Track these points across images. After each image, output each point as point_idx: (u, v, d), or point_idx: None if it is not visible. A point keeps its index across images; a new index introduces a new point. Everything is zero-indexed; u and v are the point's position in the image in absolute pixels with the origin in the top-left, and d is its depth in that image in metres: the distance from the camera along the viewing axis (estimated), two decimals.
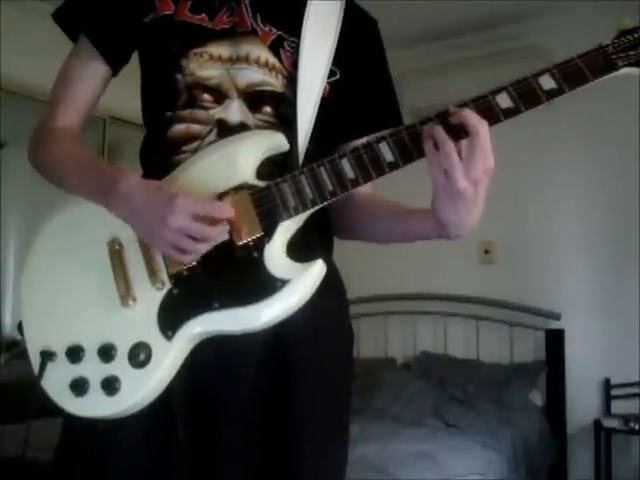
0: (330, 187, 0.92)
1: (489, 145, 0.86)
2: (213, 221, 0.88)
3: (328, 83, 1.06)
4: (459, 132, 0.87)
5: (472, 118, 0.86)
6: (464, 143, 0.87)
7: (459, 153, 0.86)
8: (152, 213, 0.88)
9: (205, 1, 1.05)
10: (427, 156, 0.88)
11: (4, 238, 3.27)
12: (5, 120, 3.09)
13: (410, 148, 0.90)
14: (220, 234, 0.90)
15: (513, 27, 3.50)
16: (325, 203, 0.93)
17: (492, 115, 0.88)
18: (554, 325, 3.35)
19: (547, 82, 0.88)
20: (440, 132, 0.87)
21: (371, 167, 0.91)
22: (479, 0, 3.21)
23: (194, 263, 0.92)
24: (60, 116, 1.08)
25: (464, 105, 0.89)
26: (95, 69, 1.08)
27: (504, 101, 0.88)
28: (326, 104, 1.05)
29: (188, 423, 0.96)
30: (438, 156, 0.86)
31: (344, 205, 1.07)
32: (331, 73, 1.06)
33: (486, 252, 3.66)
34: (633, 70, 0.88)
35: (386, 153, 0.91)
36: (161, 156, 1.02)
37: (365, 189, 1.03)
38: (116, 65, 1.10)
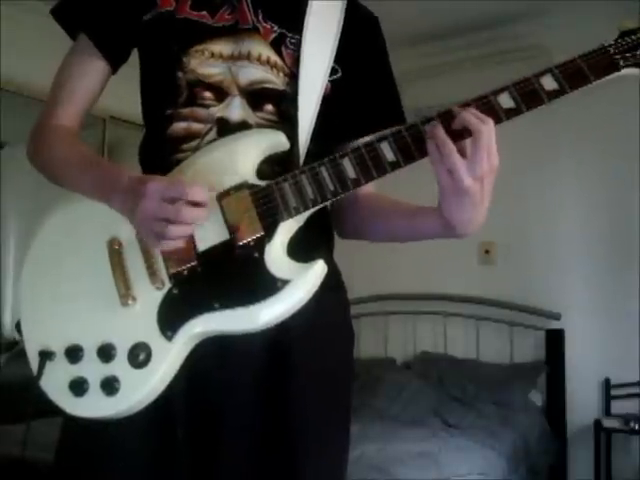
0: (331, 187, 0.91)
1: (493, 143, 0.86)
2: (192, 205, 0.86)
3: (329, 81, 1.05)
4: (461, 132, 0.87)
5: (472, 119, 0.85)
6: (468, 141, 0.86)
7: (462, 151, 0.86)
8: (131, 202, 0.87)
9: None
10: (430, 156, 0.88)
11: (4, 238, 3.26)
12: (5, 120, 3.08)
13: (412, 148, 0.90)
14: (196, 217, 0.86)
15: (513, 27, 3.49)
16: (326, 203, 0.93)
17: (493, 115, 0.88)
18: (554, 325, 3.35)
19: (549, 82, 0.88)
20: (440, 133, 0.86)
21: (372, 167, 0.91)
22: (479, 0, 3.20)
23: (194, 262, 0.92)
24: (59, 114, 1.07)
25: (466, 105, 0.88)
26: (94, 67, 1.07)
27: (505, 101, 0.88)
28: (328, 102, 1.04)
29: (188, 423, 0.96)
30: (441, 156, 0.86)
31: (349, 204, 1.07)
32: (332, 71, 1.06)
33: (486, 252, 3.65)
34: (634, 71, 0.89)
35: (387, 153, 0.90)
36: (161, 155, 1.02)
37: (369, 188, 1.03)
38: (116, 63, 1.09)
